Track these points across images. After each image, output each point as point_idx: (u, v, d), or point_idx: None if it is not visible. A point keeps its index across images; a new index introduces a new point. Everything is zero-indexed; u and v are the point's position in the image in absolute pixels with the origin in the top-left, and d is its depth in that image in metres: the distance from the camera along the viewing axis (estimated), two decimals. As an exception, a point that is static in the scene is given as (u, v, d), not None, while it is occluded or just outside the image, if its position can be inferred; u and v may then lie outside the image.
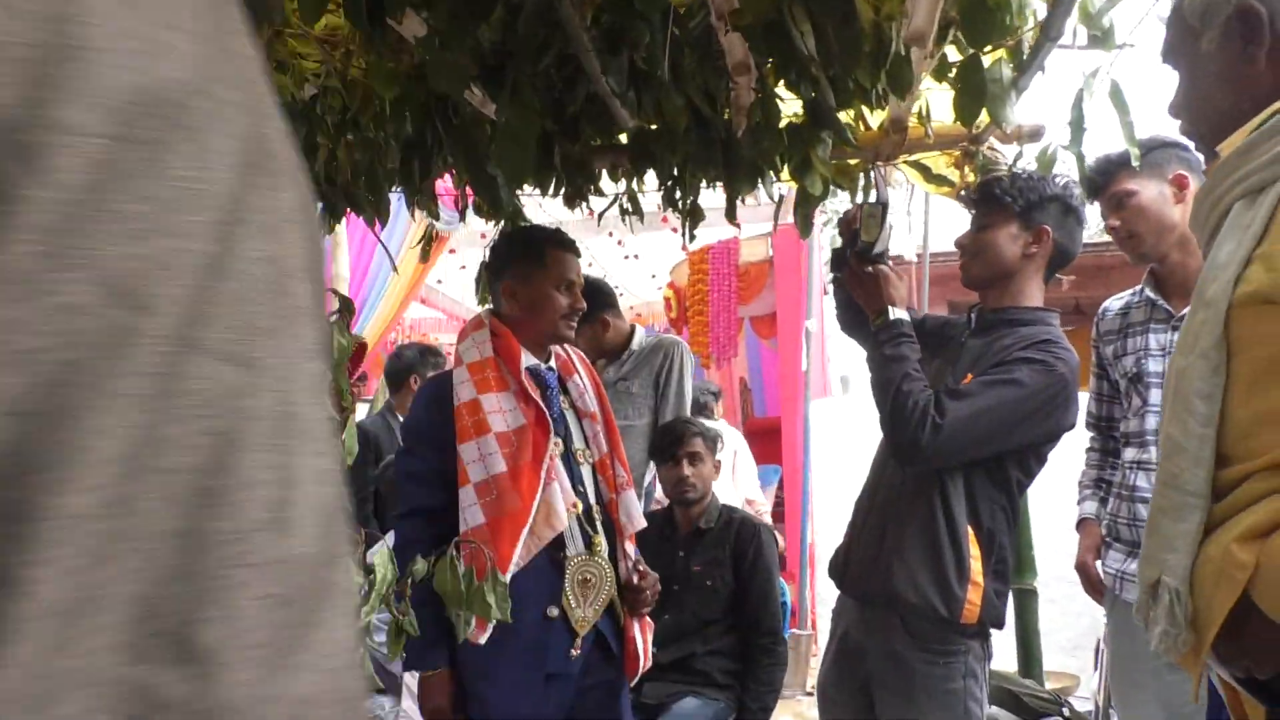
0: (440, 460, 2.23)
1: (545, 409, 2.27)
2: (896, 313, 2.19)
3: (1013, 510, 2.11)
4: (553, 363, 2.43)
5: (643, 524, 2.41)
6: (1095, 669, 3.68)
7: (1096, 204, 2.56)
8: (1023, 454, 2.08)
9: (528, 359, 2.33)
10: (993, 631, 2.13)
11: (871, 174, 2.48)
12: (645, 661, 2.38)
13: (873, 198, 2.52)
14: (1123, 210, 2.49)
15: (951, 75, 2.12)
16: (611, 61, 1.86)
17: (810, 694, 5.45)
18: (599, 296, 3.81)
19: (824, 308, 6.53)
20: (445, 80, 1.84)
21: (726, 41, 1.98)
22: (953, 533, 2.05)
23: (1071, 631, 6.24)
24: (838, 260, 2.40)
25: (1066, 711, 2.64)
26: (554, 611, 2.21)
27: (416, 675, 3.43)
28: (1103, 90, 1.68)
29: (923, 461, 2.04)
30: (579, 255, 2.42)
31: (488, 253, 3.08)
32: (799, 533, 5.64)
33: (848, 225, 2.33)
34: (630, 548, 2.40)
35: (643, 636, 2.38)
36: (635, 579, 2.35)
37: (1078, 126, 1.74)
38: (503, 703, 2.18)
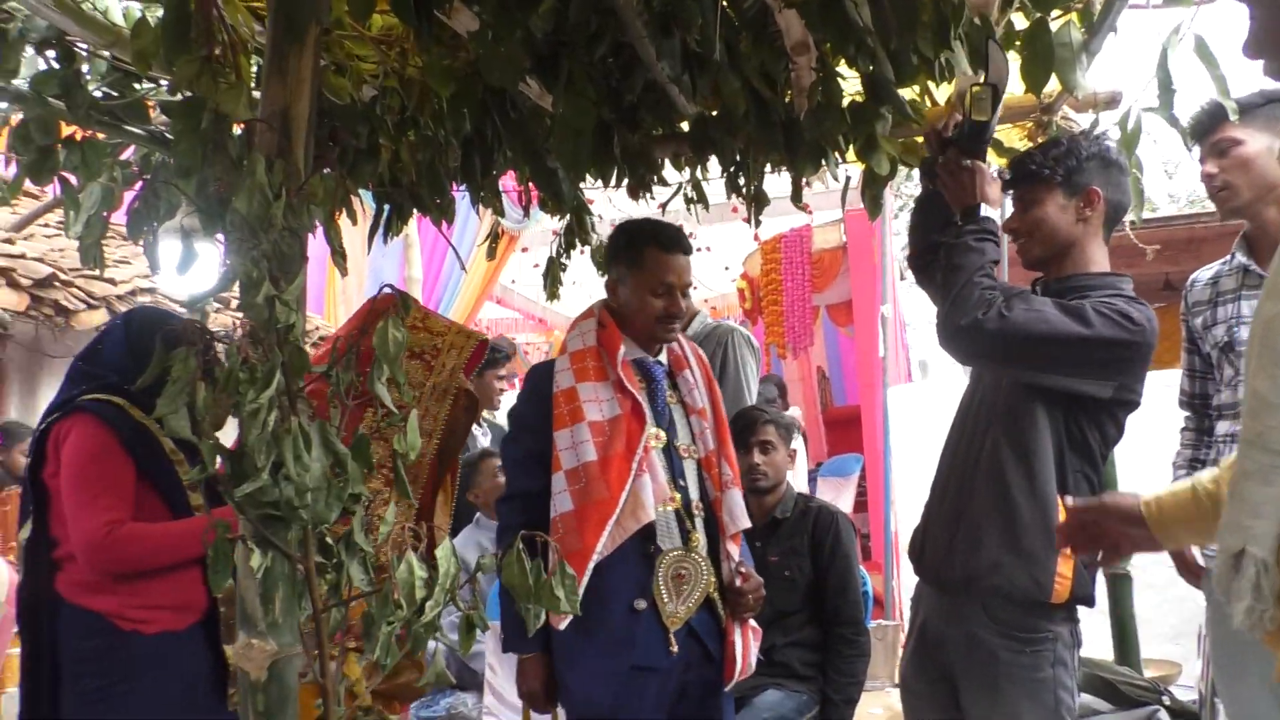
0: (538, 445, 2.26)
1: (644, 401, 2.26)
2: (988, 210, 2.11)
3: (1097, 479, 2.02)
4: (663, 356, 2.39)
5: (746, 524, 2.32)
6: (1199, 656, 3.53)
7: (1198, 156, 2.42)
8: (1098, 416, 1.99)
9: (633, 351, 2.32)
10: (1082, 615, 2.05)
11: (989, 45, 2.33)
12: (745, 667, 2.31)
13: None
14: (1224, 158, 2.35)
15: (1018, 46, 2.05)
16: (665, 44, 1.83)
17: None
18: None
19: (898, 293, 6.40)
20: (498, 73, 1.83)
21: (783, 20, 1.94)
22: (1041, 505, 1.96)
23: (1174, 618, 6.00)
24: (928, 165, 2.29)
25: (1167, 700, 2.53)
26: (641, 604, 2.17)
27: (496, 669, 3.47)
28: (1186, 47, 1.59)
29: (975, 348, 1.99)
30: (687, 253, 2.33)
31: (554, 248, 3.09)
32: (883, 521, 5.56)
33: (937, 134, 2.25)
34: (734, 548, 2.32)
35: (744, 641, 2.30)
36: (738, 581, 2.28)
37: (1166, 88, 1.65)
38: (582, 691, 2.19)
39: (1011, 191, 2.19)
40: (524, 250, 6.58)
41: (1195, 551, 2.51)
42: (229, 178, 1.17)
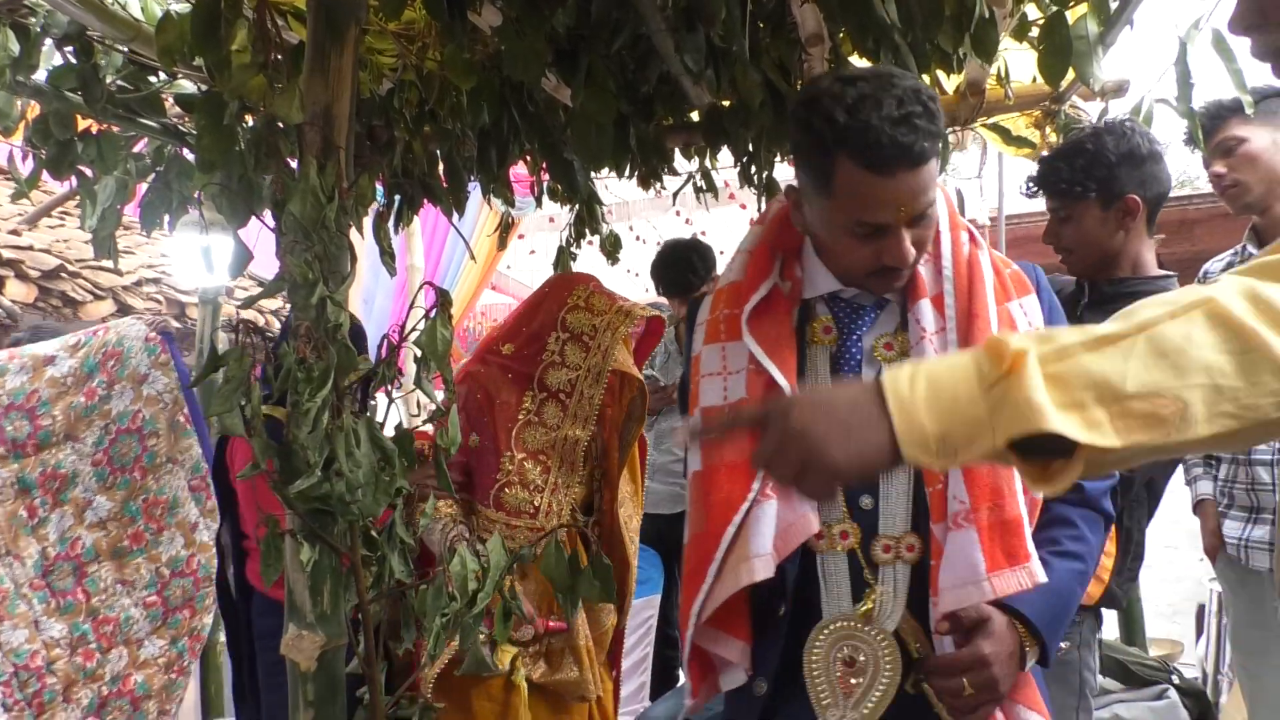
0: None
1: (796, 372, 1.37)
2: None
3: (1150, 500, 1.99)
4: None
5: (976, 598, 1.25)
6: (1200, 635, 3.58)
7: (1199, 153, 2.46)
8: None
9: (824, 283, 1.42)
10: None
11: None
12: None
13: None
14: (1230, 157, 2.39)
15: (1033, 34, 2.07)
16: (689, 39, 1.85)
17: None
18: (708, 261, 3.89)
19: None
20: (522, 68, 1.84)
21: (800, 13, 1.96)
22: None
23: (1171, 596, 6.10)
24: None
25: (1176, 680, 2.58)
26: (761, 687, 1.39)
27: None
28: (1204, 40, 1.62)
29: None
30: (922, 161, 1.24)
31: (564, 237, 3.10)
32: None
33: None
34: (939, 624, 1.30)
35: None
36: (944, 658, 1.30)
37: (1184, 82, 1.67)
38: None
39: (1045, 199, 2.10)
40: (520, 237, 6.59)
41: (1230, 530, 2.53)
42: (284, 180, 1.19)
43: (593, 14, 1.88)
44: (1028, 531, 1.29)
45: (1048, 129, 2.69)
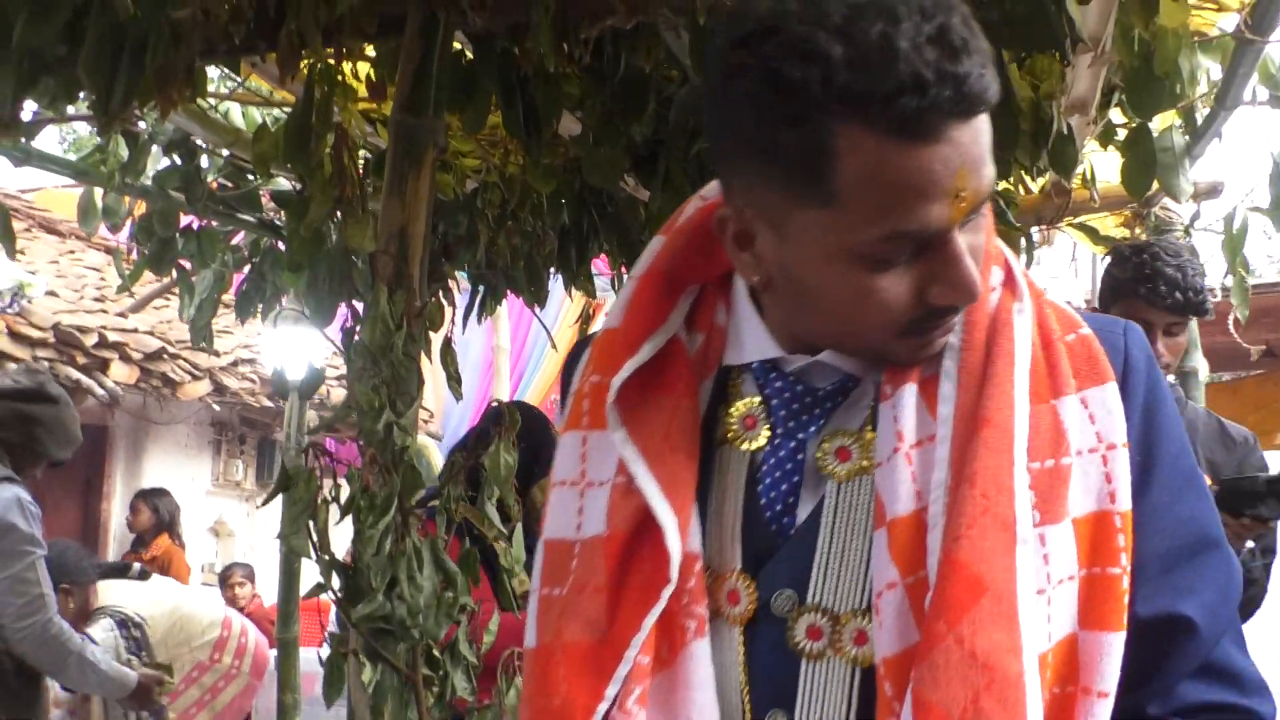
0: None
1: (670, 500, 0.71)
2: None
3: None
4: (836, 357, 0.74)
5: None
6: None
7: None
8: None
9: (757, 344, 0.76)
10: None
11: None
12: None
13: None
14: None
15: (1117, 139, 2.03)
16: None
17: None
18: None
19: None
20: (600, 175, 1.88)
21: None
22: None
23: None
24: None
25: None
26: None
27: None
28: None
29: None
30: (976, 108, 0.63)
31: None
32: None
33: None
34: None
35: None
36: None
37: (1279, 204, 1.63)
38: None
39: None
40: (606, 315, 6.66)
41: None
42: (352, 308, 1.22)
43: (670, 120, 1.91)
44: None
45: (1138, 230, 2.63)
